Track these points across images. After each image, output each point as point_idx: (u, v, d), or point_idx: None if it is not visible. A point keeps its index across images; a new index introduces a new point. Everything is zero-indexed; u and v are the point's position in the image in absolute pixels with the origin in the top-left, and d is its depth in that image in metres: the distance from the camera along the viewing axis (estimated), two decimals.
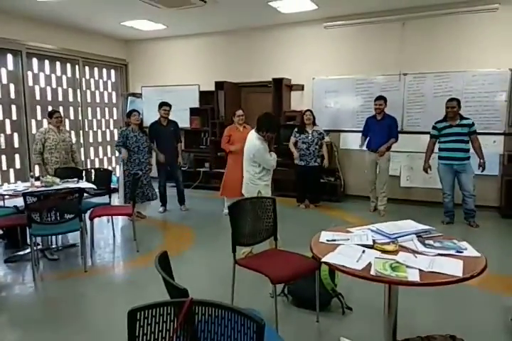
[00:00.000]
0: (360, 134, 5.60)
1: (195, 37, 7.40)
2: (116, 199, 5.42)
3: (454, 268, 1.76)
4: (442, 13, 5.46)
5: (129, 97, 7.94)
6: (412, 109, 5.75)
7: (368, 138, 5.43)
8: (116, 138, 6.68)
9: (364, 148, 5.47)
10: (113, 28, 6.97)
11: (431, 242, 2.08)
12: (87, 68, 7.44)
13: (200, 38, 7.39)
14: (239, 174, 5.22)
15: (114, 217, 4.65)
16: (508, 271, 2.45)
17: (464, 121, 4.70)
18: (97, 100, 7.73)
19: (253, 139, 3.57)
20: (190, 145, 7.40)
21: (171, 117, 5.53)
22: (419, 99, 5.73)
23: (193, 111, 7.34)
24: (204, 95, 7.31)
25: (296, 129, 5.78)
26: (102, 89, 7.83)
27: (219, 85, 6.92)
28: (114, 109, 8.13)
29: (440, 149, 4.85)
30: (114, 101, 8.13)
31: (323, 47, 6.40)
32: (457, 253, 1.94)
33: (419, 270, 1.76)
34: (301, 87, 6.67)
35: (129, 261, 3.79)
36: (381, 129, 5.24)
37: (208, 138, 7.27)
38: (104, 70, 7.87)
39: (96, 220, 4.04)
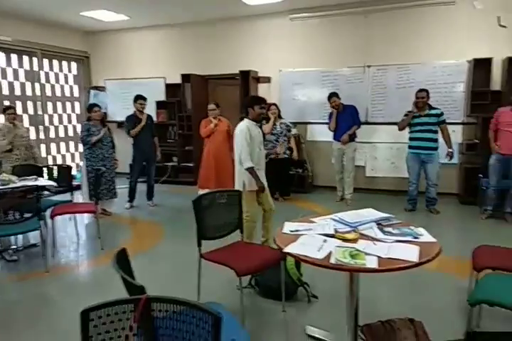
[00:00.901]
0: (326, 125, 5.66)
1: (160, 28, 7.22)
2: (80, 197, 5.25)
3: (410, 253, 1.82)
4: (403, 5, 5.58)
5: (92, 91, 7.67)
6: (376, 100, 5.86)
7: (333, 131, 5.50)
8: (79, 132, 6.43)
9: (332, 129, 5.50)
10: (72, 19, 6.69)
11: (390, 229, 2.14)
12: (45, 61, 7.12)
13: (165, 30, 7.21)
14: (213, 165, 5.26)
15: (77, 215, 4.50)
16: (464, 254, 2.56)
17: (433, 111, 4.82)
18: (58, 94, 7.43)
19: (240, 124, 3.39)
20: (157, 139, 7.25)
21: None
22: (382, 91, 5.85)
23: (160, 105, 7.20)
24: (170, 88, 7.17)
25: (264, 121, 5.77)
26: (62, 83, 7.53)
27: (185, 78, 6.81)
28: (77, 103, 7.84)
29: (410, 139, 4.98)
30: (76, 94, 7.84)
31: (289, 39, 6.40)
32: (414, 239, 2.00)
33: (378, 257, 1.80)
34: (268, 80, 6.66)
35: (93, 260, 3.70)
36: (344, 120, 5.33)
37: (175, 132, 7.15)
38: (65, 63, 7.57)
39: (59, 219, 3.91)
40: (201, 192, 4.97)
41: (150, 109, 6.99)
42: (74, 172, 6.80)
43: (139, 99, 5.29)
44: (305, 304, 2.75)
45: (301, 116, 6.43)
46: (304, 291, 2.82)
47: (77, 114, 7.81)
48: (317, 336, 2.33)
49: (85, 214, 4.91)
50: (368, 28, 5.84)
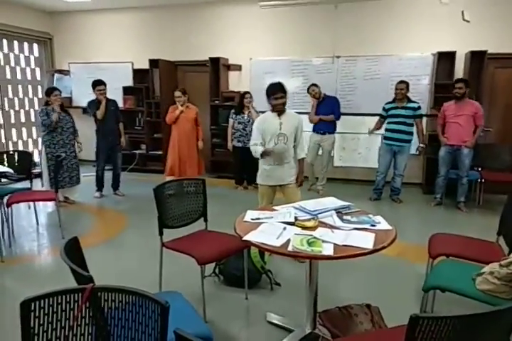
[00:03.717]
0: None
1: (128, 11, 6.95)
2: (40, 184, 5.05)
3: (365, 241, 1.86)
4: None
5: (56, 74, 7.34)
6: (344, 91, 5.90)
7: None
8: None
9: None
10: None
11: (348, 217, 2.17)
12: (4, 41, 6.73)
13: (133, 12, 6.95)
14: (178, 153, 5.17)
15: (38, 203, 4.34)
16: (422, 240, 2.64)
17: (410, 104, 4.90)
18: (19, 77, 7.06)
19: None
20: (124, 126, 7.03)
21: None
22: (351, 82, 5.90)
23: (127, 90, 6.97)
24: (138, 73, 6.95)
25: (233, 110, 5.71)
26: (23, 65, 7.16)
27: (154, 63, 6.62)
28: (39, 87, 7.49)
29: (385, 130, 5.06)
30: (38, 78, 7.48)
31: (260, 27, 6.32)
32: (371, 227, 2.04)
33: (334, 244, 1.83)
34: (238, 67, 6.57)
35: (52, 249, 3.57)
36: (324, 111, 5.32)
37: (143, 119, 6.97)
38: (26, 44, 7.18)
39: (19, 208, 3.74)
40: (168, 179, 4.90)
41: (116, 95, 6.78)
42: (36, 158, 6.55)
43: (97, 85, 5.02)
44: (268, 291, 2.78)
45: None
46: (267, 279, 2.84)
47: (39, 99, 7.46)
48: (277, 322, 2.35)
49: (47, 203, 4.73)
50: (338, 18, 5.84)
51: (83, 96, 7.30)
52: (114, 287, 1.25)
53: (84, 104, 7.21)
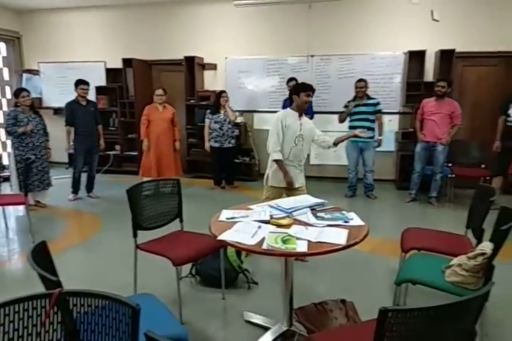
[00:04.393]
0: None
1: (101, 9, 6.80)
2: (8, 188, 4.88)
3: (339, 237, 1.88)
4: None
5: (24, 74, 7.11)
6: (319, 90, 5.91)
7: None
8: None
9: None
10: None
11: (322, 214, 2.20)
12: None
13: (106, 11, 6.81)
14: (154, 153, 5.12)
15: (6, 207, 4.18)
16: (396, 236, 2.70)
17: (370, 101, 5.01)
18: None
19: (278, 112, 3.19)
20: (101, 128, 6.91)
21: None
22: (325, 80, 5.97)
23: (100, 90, 6.82)
24: (111, 73, 6.83)
25: (209, 110, 5.67)
26: None
27: (127, 62, 6.51)
28: (7, 88, 7.23)
29: (349, 127, 5.13)
30: (6, 78, 7.23)
31: (235, 26, 6.31)
32: (344, 223, 2.07)
33: (308, 241, 1.85)
34: (214, 67, 6.54)
35: (22, 254, 3.46)
36: None
37: (117, 119, 6.84)
38: None
39: None
40: (145, 180, 4.84)
41: (89, 95, 6.64)
42: (5, 161, 6.33)
43: (81, 83, 4.97)
44: (245, 291, 2.78)
45: (248, 104, 6.40)
46: (244, 278, 2.84)
47: (7, 99, 7.21)
48: (254, 321, 2.36)
49: (17, 207, 4.57)
50: (312, 17, 5.90)
51: (54, 96, 7.14)
52: (83, 291, 1.22)
53: (54, 104, 7.09)
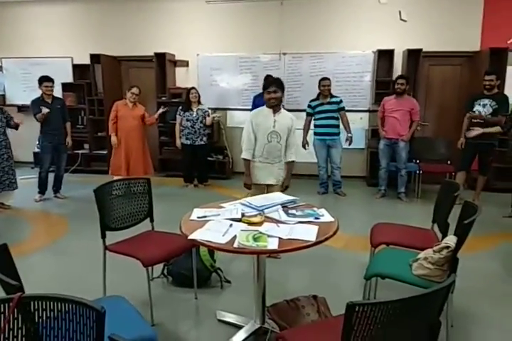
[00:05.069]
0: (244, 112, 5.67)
1: (67, 2, 6.58)
2: None
3: (309, 233, 1.90)
4: None
5: None
6: (291, 87, 5.99)
7: None
8: None
9: None
10: None
11: (294, 211, 2.21)
12: None
13: (73, 4, 6.59)
14: (124, 151, 5.00)
15: None
16: (366, 231, 2.75)
17: (333, 99, 5.09)
18: None
19: None
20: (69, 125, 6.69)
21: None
22: (297, 78, 6.01)
23: (66, 87, 6.59)
24: (78, 69, 6.62)
25: (180, 107, 5.60)
26: None
27: (95, 58, 6.33)
28: None
29: (315, 126, 5.20)
30: None
31: (207, 22, 6.25)
32: (315, 220, 2.09)
33: (279, 238, 1.85)
34: (185, 63, 6.46)
35: None
36: None
37: (85, 117, 6.64)
38: None
39: None
40: (115, 179, 4.73)
41: (55, 92, 6.40)
42: None
43: (44, 81, 4.79)
44: (218, 290, 2.76)
45: (221, 102, 6.36)
46: (217, 277, 2.82)
47: None
48: (227, 320, 2.35)
49: None
50: (284, 15, 5.91)
51: (18, 93, 6.86)
52: (46, 295, 1.17)
53: (18, 101, 6.81)
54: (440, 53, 5.62)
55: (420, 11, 5.61)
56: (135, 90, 5.05)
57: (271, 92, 2.97)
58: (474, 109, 4.52)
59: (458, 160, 4.88)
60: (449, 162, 5.28)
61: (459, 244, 1.93)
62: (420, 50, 5.42)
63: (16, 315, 1.16)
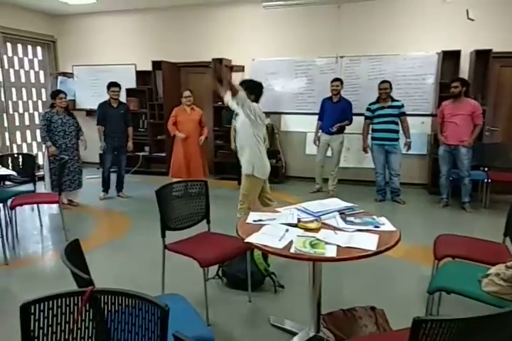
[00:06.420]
0: (307, 116, 5.63)
1: (131, 13, 6.98)
2: (43, 187, 5.06)
3: (369, 242, 1.83)
4: None
5: (59, 77, 7.38)
6: (348, 91, 5.84)
7: (321, 122, 5.45)
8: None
9: (317, 144, 5.48)
10: (36, 1, 6.37)
11: (352, 219, 2.15)
12: (9, 45, 6.77)
13: (136, 14, 6.98)
14: (183, 154, 5.18)
15: (41, 205, 4.34)
16: (427, 242, 2.60)
17: (395, 103, 4.90)
18: (23, 80, 7.10)
19: None
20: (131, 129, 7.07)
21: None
22: (355, 82, 5.87)
23: (130, 92, 6.98)
24: (141, 75, 6.97)
25: (235, 112, 5.68)
26: (27, 68, 7.20)
27: (156, 65, 6.63)
28: (43, 90, 7.52)
29: (373, 130, 5.04)
30: (42, 81, 7.52)
31: (263, 27, 6.31)
32: (375, 229, 2.01)
33: (337, 246, 1.80)
34: (241, 68, 6.56)
35: (56, 251, 3.57)
36: (334, 112, 5.27)
37: (146, 121, 6.98)
38: (30, 47, 7.22)
39: (23, 210, 3.74)
40: (174, 181, 4.91)
41: (121, 97, 6.82)
42: (40, 161, 6.58)
43: (112, 86, 5.15)
44: (271, 294, 2.75)
45: (276, 106, 6.38)
46: (271, 281, 2.82)
47: (43, 101, 7.50)
48: (280, 325, 2.33)
49: (51, 205, 4.75)
50: (341, 18, 5.81)
51: (87, 98, 7.36)
52: (114, 290, 1.23)
53: (87, 106, 7.32)
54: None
55: (489, 9, 5.25)
56: (187, 93, 5.20)
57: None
58: None
59: None
60: None
61: None
62: (490, 50, 5.07)
63: (87, 308, 1.23)
